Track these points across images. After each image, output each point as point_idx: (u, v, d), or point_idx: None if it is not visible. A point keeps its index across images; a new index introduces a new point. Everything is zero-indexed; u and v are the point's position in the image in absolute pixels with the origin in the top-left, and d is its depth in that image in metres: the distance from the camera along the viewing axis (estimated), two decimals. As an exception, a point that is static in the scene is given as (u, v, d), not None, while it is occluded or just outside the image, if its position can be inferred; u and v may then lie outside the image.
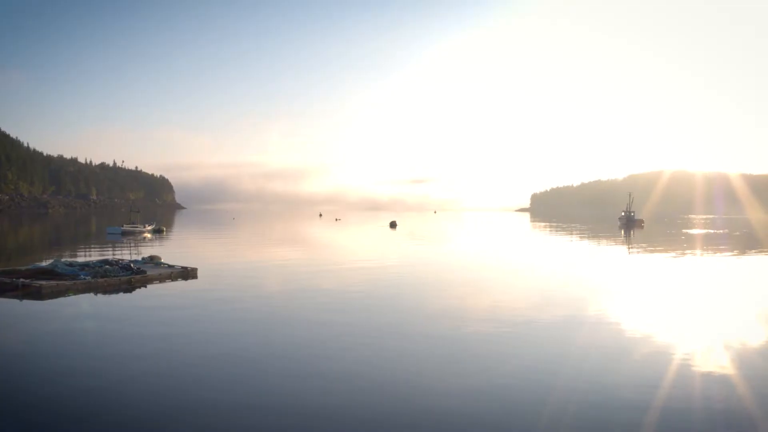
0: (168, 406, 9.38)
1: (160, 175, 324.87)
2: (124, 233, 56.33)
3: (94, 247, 44.11)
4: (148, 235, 57.36)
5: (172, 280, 23.64)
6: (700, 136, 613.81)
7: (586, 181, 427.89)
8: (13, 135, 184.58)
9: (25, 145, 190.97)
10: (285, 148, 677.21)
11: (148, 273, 23.37)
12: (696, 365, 12.03)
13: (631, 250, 50.17)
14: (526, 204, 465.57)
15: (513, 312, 18.05)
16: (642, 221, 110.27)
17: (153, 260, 26.57)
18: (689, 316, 18.47)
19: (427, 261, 36.98)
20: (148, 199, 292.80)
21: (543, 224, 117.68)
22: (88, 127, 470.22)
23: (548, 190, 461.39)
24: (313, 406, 9.44)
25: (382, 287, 23.93)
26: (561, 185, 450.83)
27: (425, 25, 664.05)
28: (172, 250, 40.48)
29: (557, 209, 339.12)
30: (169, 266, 25.72)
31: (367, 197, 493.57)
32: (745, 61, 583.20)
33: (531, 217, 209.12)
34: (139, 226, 60.66)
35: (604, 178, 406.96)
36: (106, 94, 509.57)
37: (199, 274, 25.28)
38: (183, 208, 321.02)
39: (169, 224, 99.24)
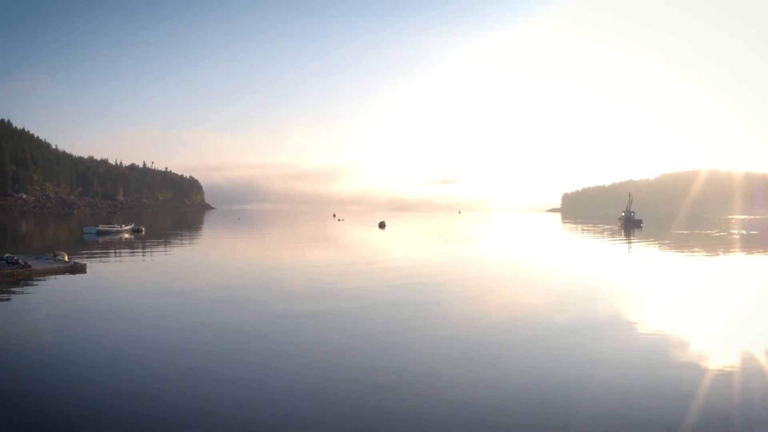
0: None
1: (190, 176, 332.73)
2: (99, 233, 59.50)
3: (58, 248, 47.32)
4: (127, 235, 60.37)
5: (58, 275, 26.26)
6: (736, 136, 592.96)
7: (617, 181, 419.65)
8: (42, 137, 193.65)
9: (53, 146, 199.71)
10: (315, 149, 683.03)
11: (34, 267, 26.07)
12: (716, 364, 12.92)
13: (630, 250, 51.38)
14: (557, 204, 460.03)
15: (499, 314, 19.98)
16: (641, 221, 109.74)
17: (55, 257, 29.31)
18: (684, 312, 20.06)
19: (374, 259, 38.85)
20: (177, 200, 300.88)
21: (560, 224, 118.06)
22: (120, 129, 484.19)
23: (579, 190, 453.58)
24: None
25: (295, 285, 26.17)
26: (592, 185, 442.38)
27: (456, 26, 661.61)
28: (110, 249, 43.60)
29: (588, 209, 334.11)
30: (65, 262, 28.35)
31: (395, 198, 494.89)
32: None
33: (562, 217, 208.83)
34: (116, 226, 63.96)
35: (636, 177, 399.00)
36: (137, 98, 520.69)
37: (89, 269, 27.94)
38: (212, 208, 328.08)
39: (175, 224, 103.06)
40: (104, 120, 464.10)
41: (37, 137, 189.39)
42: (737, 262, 40.30)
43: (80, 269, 27.58)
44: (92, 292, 22.72)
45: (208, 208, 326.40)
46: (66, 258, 29.59)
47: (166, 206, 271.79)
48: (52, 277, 25.77)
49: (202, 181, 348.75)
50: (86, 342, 14.67)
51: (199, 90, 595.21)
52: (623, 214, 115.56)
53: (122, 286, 25.03)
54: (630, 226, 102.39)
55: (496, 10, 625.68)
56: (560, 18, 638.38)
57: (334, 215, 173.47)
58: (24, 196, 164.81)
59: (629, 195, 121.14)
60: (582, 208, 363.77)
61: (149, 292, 22.86)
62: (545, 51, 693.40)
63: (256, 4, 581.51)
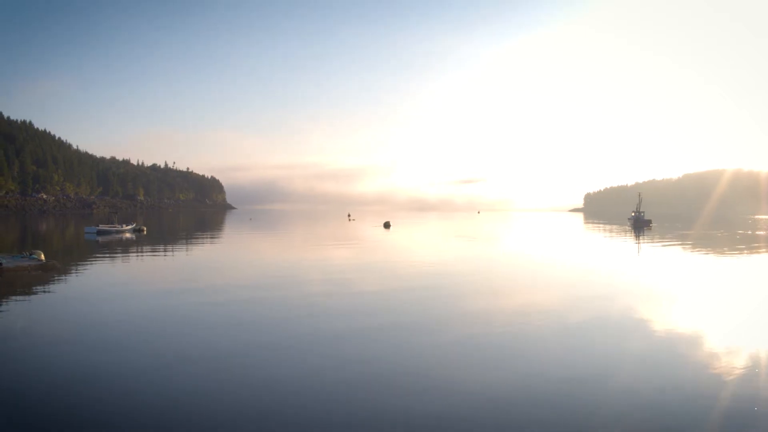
0: None
1: (211, 176, 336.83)
2: (100, 233, 60.85)
3: (54, 248, 48.83)
4: (128, 235, 61.59)
5: (29, 272, 27.36)
6: (761, 136, 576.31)
7: (640, 180, 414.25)
8: (64, 138, 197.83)
9: (74, 147, 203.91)
10: (338, 150, 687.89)
11: (5, 265, 27.16)
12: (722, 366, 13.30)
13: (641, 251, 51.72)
14: (580, 204, 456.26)
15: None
16: (650, 221, 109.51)
17: (31, 255, 30.42)
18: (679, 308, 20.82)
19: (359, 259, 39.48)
20: (198, 200, 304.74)
21: (582, 224, 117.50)
22: (143, 130, 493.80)
23: (602, 189, 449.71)
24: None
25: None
26: (615, 185, 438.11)
27: (479, 28, 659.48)
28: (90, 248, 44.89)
29: (611, 209, 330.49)
30: (38, 260, 29.44)
31: (416, 198, 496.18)
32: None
33: (584, 217, 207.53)
34: (116, 226, 65.26)
35: (658, 177, 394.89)
36: (160, 99, 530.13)
37: (61, 268, 29.08)
38: (234, 208, 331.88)
39: (185, 224, 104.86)
40: (126, 121, 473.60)
41: (59, 138, 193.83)
42: (726, 263, 40.10)
43: (51, 268, 28.65)
44: (55, 288, 23.68)
45: (230, 208, 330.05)
46: (42, 257, 30.65)
47: (187, 206, 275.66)
48: (22, 274, 26.87)
49: (224, 182, 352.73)
50: (27, 337, 15.55)
51: (222, 91, 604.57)
52: (633, 214, 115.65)
53: (86, 284, 25.93)
54: (639, 226, 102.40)
55: (518, 13, 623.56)
56: (584, 22, 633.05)
57: (349, 215, 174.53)
58: (44, 196, 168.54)
59: (639, 195, 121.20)
60: (604, 208, 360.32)
61: (112, 291, 23.71)
62: (568, 53, 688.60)
63: (279, 5, 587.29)
